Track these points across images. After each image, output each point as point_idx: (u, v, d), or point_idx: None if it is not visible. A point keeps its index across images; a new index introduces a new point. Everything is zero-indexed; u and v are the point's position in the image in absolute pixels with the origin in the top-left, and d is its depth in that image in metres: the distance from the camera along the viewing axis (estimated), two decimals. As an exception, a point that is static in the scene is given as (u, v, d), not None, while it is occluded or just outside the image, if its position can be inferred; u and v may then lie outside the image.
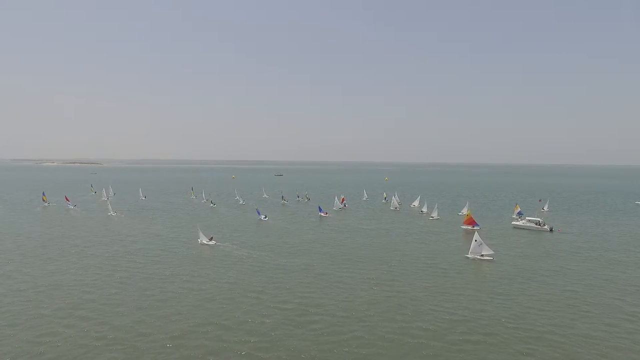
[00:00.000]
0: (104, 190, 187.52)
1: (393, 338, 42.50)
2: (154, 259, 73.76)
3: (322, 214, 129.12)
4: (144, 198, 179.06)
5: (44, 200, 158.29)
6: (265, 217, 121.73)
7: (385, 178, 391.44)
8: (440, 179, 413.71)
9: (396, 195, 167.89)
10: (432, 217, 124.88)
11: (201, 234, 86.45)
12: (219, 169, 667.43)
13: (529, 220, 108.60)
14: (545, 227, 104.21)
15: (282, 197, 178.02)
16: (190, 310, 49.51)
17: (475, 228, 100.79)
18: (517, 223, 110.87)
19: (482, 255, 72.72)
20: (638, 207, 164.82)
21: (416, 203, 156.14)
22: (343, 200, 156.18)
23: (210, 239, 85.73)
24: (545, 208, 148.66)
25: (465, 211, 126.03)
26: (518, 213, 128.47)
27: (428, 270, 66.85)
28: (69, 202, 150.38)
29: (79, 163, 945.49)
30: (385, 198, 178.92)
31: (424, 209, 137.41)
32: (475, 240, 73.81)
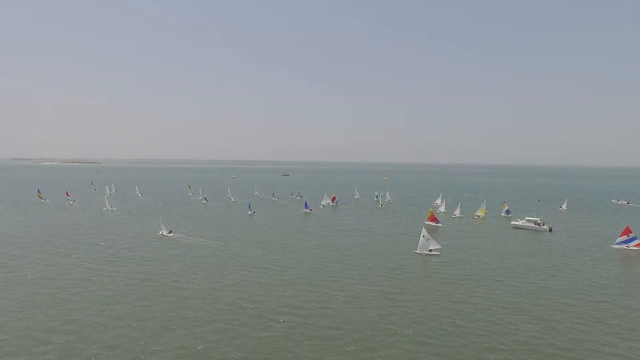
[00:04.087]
0: (106, 187, 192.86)
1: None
2: (132, 253, 74.34)
3: (306, 210, 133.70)
4: (140, 195, 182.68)
5: (39, 197, 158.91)
6: (254, 213, 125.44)
7: (384, 178, 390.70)
8: (441, 179, 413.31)
9: (387, 194, 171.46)
10: (454, 215, 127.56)
11: (162, 226, 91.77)
12: (220, 168, 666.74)
13: (529, 220, 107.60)
14: (545, 227, 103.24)
15: (273, 194, 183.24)
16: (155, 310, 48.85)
17: (438, 225, 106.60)
18: (517, 223, 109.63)
19: (430, 250, 74.19)
20: (618, 205, 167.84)
21: (438, 201, 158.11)
22: (334, 198, 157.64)
23: (170, 232, 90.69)
24: (564, 207, 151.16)
25: (479, 212, 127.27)
26: (506, 211, 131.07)
27: (380, 268, 67.14)
28: (69, 198, 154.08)
29: (78, 162, 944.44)
30: (377, 196, 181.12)
31: (442, 209, 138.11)
32: (423, 236, 75.38)
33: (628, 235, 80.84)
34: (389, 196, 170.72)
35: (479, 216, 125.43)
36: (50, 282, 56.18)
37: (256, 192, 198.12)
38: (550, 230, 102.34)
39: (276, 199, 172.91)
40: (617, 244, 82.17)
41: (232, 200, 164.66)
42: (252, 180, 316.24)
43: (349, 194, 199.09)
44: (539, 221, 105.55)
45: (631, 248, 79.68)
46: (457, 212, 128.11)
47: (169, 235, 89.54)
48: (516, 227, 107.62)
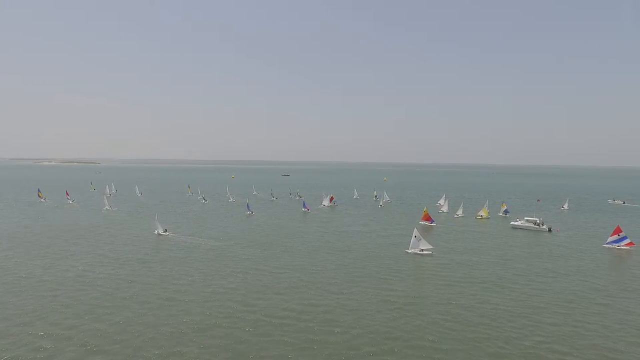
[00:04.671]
0: (106, 187, 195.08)
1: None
2: (129, 254, 73.87)
3: (304, 210, 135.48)
4: (140, 195, 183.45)
5: (39, 196, 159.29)
6: (252, 212, 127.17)
7: (384, 178, 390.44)
8: (441, 179, 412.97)
9: (385, 194, 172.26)
10: (456, 215, 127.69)
11: (158, 225, 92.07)
12: (220, 169, 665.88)
13: (528, 220, 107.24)
14: (544, 227, 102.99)
15: (272, 194, 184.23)
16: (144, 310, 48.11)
17: (432, 224, 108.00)
18: (516, 223, 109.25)
19: (421, 250, 74.28)
20: (614, 205, 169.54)
21: (441, 201, 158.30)
22: (332, 198, 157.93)
23: (165, 231, 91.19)
24: (565, 206, 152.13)
25: (482, 213, 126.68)
26: (504, 211, 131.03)
27: (371, 267, 67.21)
28: (69, 197, 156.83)
29: (78, 162, 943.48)
30: (375, 196, 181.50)
31: (444, 208, 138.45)
32: (415, 236, 75.58)
33: (619, 235, 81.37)
34: (387, 196, 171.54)
35: (481, 216, 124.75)
36: (45, 284, 55.53)
37: (255, 192, 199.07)
38: (550, 230, 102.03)
39: (275, 198, 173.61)
40: (607, 243, 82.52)
41: (231, 200, 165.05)
42: (252, 180, 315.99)
43: (348, 194, 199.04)
44: (538, 221, 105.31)
45: (622, 247, 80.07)
46: (459, 212, 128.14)
47: (165, 234, 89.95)
48: (515, 227, 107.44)
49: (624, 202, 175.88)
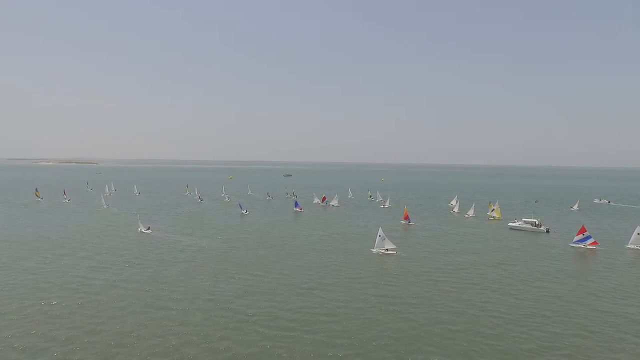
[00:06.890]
0: (105, 186, 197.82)
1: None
2: (117, 255, 72.73)
3: (297, 209, 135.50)
4: (138, 194, 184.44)
5: (37, 195, 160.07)
6: (246, 212, 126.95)
7: (381, 179, 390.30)
8: (442, 180, 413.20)
9: (378, 194, 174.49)
10: (467, 215, 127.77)
11: (140, 224, 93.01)
12: (220, 169, 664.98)
13: (526, 222, 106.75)
14: (542, 228, 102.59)
15: (268, 193, 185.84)
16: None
17: (410, 223, 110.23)
18: (514, 224, 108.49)
19: (386, 250, 74.57)
20: (600, 204, 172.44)
21: (453, 202, 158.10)
22: (324, 198, 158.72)
23: (148, 229, 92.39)
24: (576, 207, 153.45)
25: (494, 213, 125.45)
26: (492, 211, 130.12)
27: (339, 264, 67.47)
28: (65, 197, 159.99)
29: (75, 163, 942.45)
30: (370, 196, 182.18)
31: (456, 209, 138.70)
32: (380, 236, 75.84)
33: (583, 235, 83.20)
34: (379, 196, 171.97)
35: (494, 217, 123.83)
36: (29, 285, 54.28)
37: (250, 192, 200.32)
38: (548, 231, 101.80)
39: (270, 198, 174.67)
40: (573, 242, 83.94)
41: (227, 200, 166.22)
42: (251, 181, 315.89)
43: (343, 194, 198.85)
44: (536, 222, 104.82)
45: (587, 247, 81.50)
46: (470, 213, 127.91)
47: (147, 232, 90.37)
48: (513, 229, 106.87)
49: (609, 202, 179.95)
